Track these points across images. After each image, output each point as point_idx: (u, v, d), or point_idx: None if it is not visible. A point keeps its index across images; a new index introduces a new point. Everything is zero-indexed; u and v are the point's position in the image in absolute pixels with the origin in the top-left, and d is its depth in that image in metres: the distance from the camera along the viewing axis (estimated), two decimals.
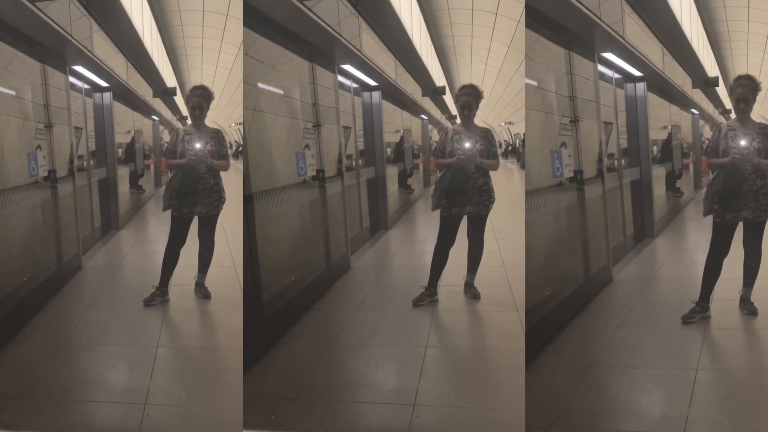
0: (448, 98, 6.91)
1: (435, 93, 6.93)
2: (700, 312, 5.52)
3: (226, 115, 6.56)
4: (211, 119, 6.12)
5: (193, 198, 5.93)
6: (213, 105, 6.06)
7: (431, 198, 6.01)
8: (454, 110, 6.43)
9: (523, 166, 6.40)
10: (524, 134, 6.37)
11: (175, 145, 5.95)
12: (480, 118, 6.03)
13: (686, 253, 6.12)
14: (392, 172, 7.04)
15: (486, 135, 5.95)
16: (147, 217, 6.96)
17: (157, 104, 7.02)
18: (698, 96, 6.73)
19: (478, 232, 6.01)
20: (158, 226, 6.59)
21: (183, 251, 5.99)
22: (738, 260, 5.57)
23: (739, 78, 5.60)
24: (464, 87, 5.98)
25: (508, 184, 6.33)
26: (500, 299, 5.87)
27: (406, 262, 6.34)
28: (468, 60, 6.80)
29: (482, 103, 6.02)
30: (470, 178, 5.92)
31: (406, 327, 5.58)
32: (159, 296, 5.94)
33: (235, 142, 6.74)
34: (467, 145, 5.88)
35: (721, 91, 6.42)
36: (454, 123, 6.45)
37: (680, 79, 6.87)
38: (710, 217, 5.58)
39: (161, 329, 5.57)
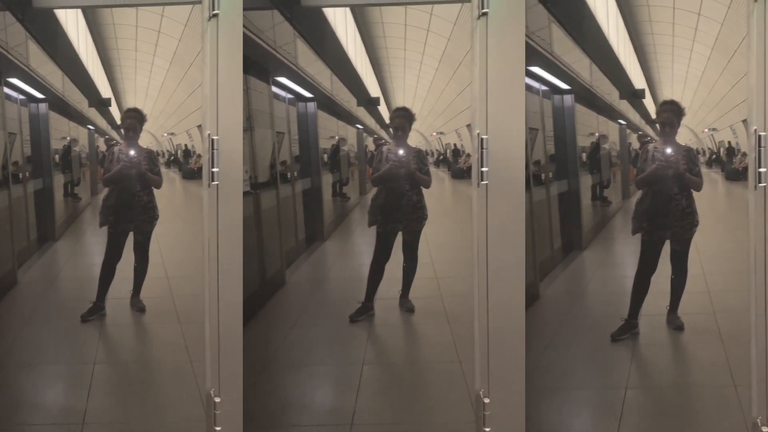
0: (383, 108, 6.84)
1: (370, 104, 6.85)
2: (628, 328, 5.51)
3: (158, 125, 6.46)
4: (144, 129, 6.13)
5: (128, 214, 5.95)
6: (147, 116, 6.08)
7: (368, 215, 6.05)
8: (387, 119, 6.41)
9: (453, 176, 6.39)
10: (455, 144, 6.34)
11: (110, 164, 6.02)
12: (415, 129, 6.05)
13: (616, 267, 6.10)
14: (327, 181, 6.92)
15: (418, 154, 5.99)
16: (83, 227, 6.79)
17: (93, 114, 6.87)
18: (626, 107, 6.71)
19: (412, 248, 6.00)
20: (95, 237, 6.45)
21: (119, 265, 5.94)
22: (666, 275, 5.57)
23: (665, 103, 5.71)
24: (397, 110, 6.10)
25: (440, 195, 6.28)
26: (433, 311, 5.83)
27: (342, 276, 6.23)
28: (401, 71, 6.73)
29: (417, 115, 6.09)
30: (405, 196, 5.94)
31: (343, 344, 5.53)
32: (96, 311, 5.84)
33: (167, 151, 6.63)
34: (401, 152, 5.91)
35: (648, 102, 6.41)
36: (387, 142, 6.40)
37: (607, 90, 6.85)
38: (637, 235, 5.60)
39: (98, 345, 5.47)
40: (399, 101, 6.91)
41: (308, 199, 6.89)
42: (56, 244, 6.60)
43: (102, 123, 6.85)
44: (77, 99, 6.81)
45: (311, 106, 6.97)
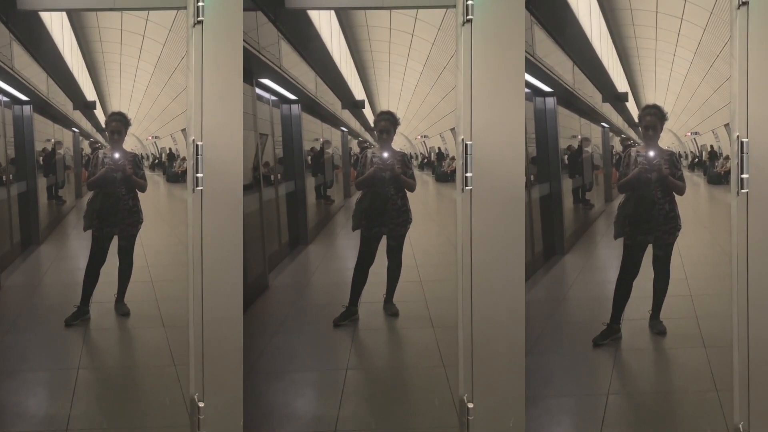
0: (368, 111, 6.77)
1: (355, 106, 6.79)
2: (610, 333, 5.47)
3: (143, 128, 6.40)
4: (129, 133, 6.08)
5: (113, 218, 5.93)
6: (132, 120, 6.07)
7: (352, 218, 6.03)
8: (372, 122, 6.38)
9: (438, 179, 6.35)
10: (439, 147, 6.29)
11: (94, 169, 6.01)
12: (399, 133, 6.05)
13: (598, 271, 6.07)
14: (311, 184, 6.85)
15: (403, 158, 5.98)
16: (68, 230, 6.71)
17: (77, 117, 6.79)
18: (608, 110, 6.65)
19: (396, 252, 5.99)
20: (79, 240, 6.38)
21: (103, 269, 5.89)
22: (648, 279, 5.54)
23: (647, 107, 5.71)
24: (382, 113, 6.12)
25: (424, 198, 6.23)
26: (417, 315, 5.78)
27: (326, 280, 6.18)
28: (386, 75, 6.67)
29: (401, 118, 6.09)
30: (389, 199, 5.94)
31: (327, 349, 5.48)
32: (80, 315, 5.80)
33: (152, 154, 6.56)
34: (385, 155, 5.92)
35: (631, 106, 6.37)
36: (372, 146, 6.36)
37: (590, 93, 6.79)
38: (620, 239, 5.58)
39: (82, 349, 5.41)
40: (384, 104, 6.85)
41: (292, 202, 6.83)
42: (40, 248, 6.52)
43: (87, 126, 6.76)
44: (62, 101, 6.71)
45: (295, 108, 6.89)
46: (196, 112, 5.32)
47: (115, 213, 5.93)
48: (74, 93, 6.72)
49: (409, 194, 6.04)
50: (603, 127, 6.83)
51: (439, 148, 6.75)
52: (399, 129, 6.21)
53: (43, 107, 6.64)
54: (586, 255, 6.11)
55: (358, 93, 6.92)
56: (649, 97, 6.00)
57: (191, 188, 5.28)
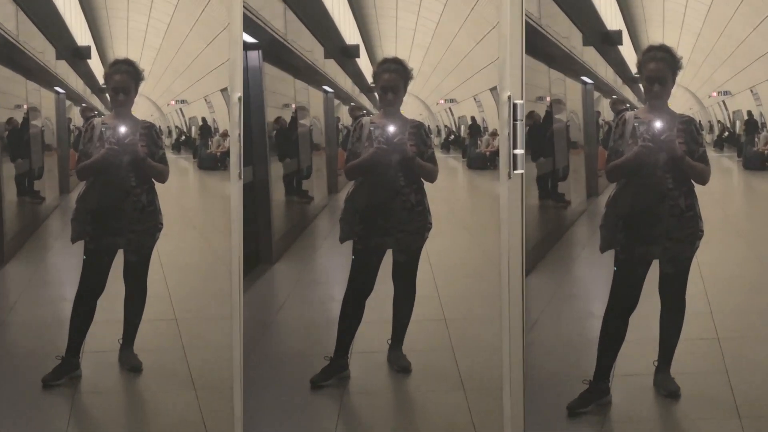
0: (364, 63, 5.43)
1: (344, 55, 5.41)
2: (594, 396, 4.25)
3: (163, 88, 5.32)
4: (141, 93, 4.85)
5: (116, 223, 4.63)
6: (145, 74, 4.85)
7: (340, 223, 4.71)
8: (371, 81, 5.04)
9: (469, 165, 4.96)
10: (472, 117, 4.97)
11: (89, 144, 4.73)
12: (411, 94, 4.78)
13: (574, 300, 4.64)
14: (278, 172, 5.43)
15: (418, 131, 4.64)
16: (48, 242, 5.68)
17: (63, 70, 5.76)
18: (592, 57, 5.03)
19: (407, 274, 4.63)
20: (65, 257, 5.33)
21: (101, 301, 4.68)
22: (651, 313, 4.27)
23: (652, 49, 4.37)
24: (386, 62, 4.76)
25: (451, 192, 4.86)
26: (440, 371, 4.51)
27: (300, 318, 4.92)
28: (392, 8, 5.29)
29: (416, 71, 4.76)
30: (398, 194, 4.60)
31: (302, 421, 4.39)
32: (66, 371, 4.60)
33: (176, 127, 5.49)
34: (392, 130, 4.66)
35: (626, 50, 4.78)
36: (370, 114, 5.07)
37: (565, 32, 5.14)
38: (609, 252, 4.28)
39: (69, 424, 4.42)
40: (389, 50, 5.18)
41: (248, 199, 5.49)
42: (5, 269, 5.49)
43: (77, 83, 5.73)
44: (39, 47, 5.61)
45: (253, 56, 5.52)
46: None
47: (119, 215, 4.55)
48: (58, 34, 5.61)
49: (427, 186, 4.60)
50: (584, 83, 5.12)
51: (473, 118, 5.31)
52: (412, 88, 4.76)
53: (10, 56, 5.56)
54: (557, 276, 4.60)
55: (350, 35, 5.48)
56: (655, 37, 4.55)
57: (236, 176, 4.44)
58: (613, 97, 4.68)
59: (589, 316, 4.46)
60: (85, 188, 4.68)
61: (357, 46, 5.52)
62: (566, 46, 5.17)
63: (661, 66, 4.22)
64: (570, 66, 5.22)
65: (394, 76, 4.63)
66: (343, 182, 4.84)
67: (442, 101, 5.46)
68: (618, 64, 5.11)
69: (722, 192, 4.37)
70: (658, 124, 4.21)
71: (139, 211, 4.59)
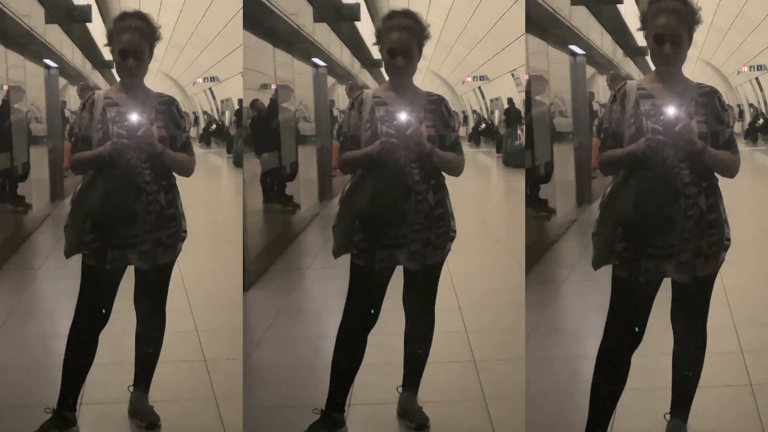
0: (367, 27, 4.56)
1: (340, 18, 4.50)
2: None
3: (187, 61, 4.56)
4: (158, 71, 4.12)
5: (126, 230, 3.56)
6: (161, 45, 3.64)
7: (333, 231, 3.57)
8: (377, 52, 3.77)
9: (507, 162, 4.03)
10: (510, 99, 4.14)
11: (89, 124, 3.61)
12: (425, 71, 3.94)
13: (562, 334, 3.71)
14: (254, 170, 4.47)
15: (437, 108, 3.61)
16: (34, 259, 4.71)
17: (55, 37, 5.02)
18: (583, 19, 4.20)
19: (424, 299, 3.65)
20: (56, 282, 4.36)
21: (104, 335, 3.62)
22: (660, 347, 3.33)
23: None
24: (394, 15, 3.55)
25: (481, 192, 3.94)
26: (468, 426, 3.54)
27: (284, 357, 3.85)
28: None
29: (434, 39, 3.66)
30: (412, 192, 3.55)
31: None
32: (58, 428, 3.59)
33: (204, 114, 4.75)
34: (403, 117, 3.52)
35: (626, 7, 3.98)
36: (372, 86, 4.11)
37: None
38: (606, 269, 3.25)
39: None
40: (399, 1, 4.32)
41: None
42: None
43: (73, 55, 5.02)
44: (23, 9, 4.88)
45: None
46: None
47: (130, 220, 3.52)
48: None
49: (449, 181, 3.58)
50: (573, 54, 4.21)
51: (510, 101, 4.51)
52: (431, 65, 3.75)
53: None
54: (542, 301, 3.70)
55: None
56: None
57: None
58: (611, 72, 3.82)
59: (578, 355, 3.53)
60: (82, 185, 3.58)
61: (357, 5, 4.46)
62: (551, 7, 4.27)
63: (673, 20, 3.17)
64: (548, 24, 4.22)
65: (405, 35, 3.49)
66: (339, 184, 4.00)
67: (469, 79, 4.60)
68: (613, 22, 4.27)
69: (750, 189, 3.46)
70: (669, 100, 3.18)
71: (156, 214, 3.56)
